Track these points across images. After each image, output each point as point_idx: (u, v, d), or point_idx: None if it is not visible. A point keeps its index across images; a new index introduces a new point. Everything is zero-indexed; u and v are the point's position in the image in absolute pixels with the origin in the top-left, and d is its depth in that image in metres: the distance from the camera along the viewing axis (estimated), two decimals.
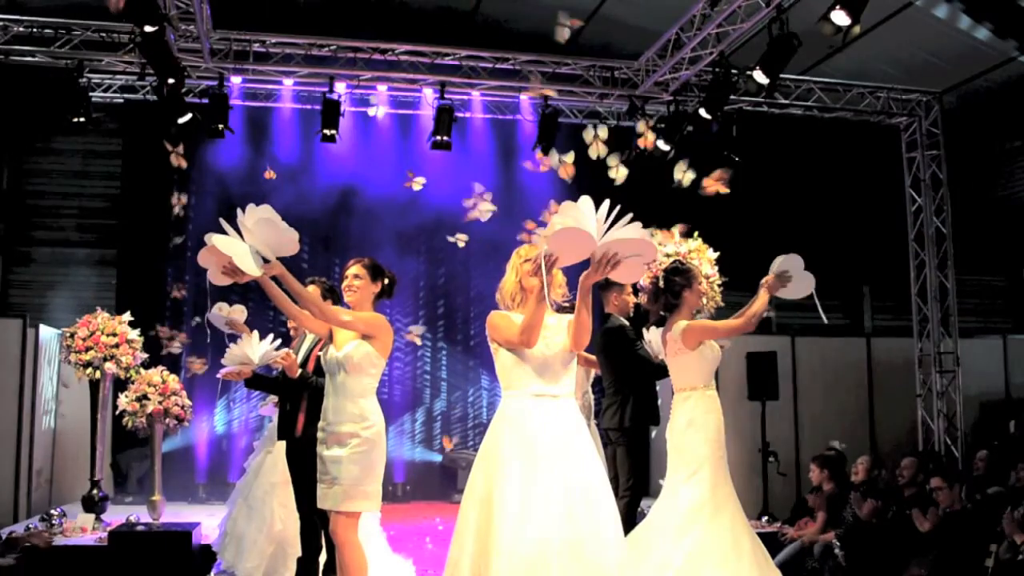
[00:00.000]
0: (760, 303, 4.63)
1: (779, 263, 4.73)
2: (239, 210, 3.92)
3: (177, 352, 9.15)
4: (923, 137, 10.44)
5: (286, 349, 4.96)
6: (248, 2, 9.73)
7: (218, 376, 5.00)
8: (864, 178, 11.82)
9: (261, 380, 5.15)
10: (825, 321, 4.87)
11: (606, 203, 3.47)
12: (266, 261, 3.93)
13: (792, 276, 4.69)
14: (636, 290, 5.79)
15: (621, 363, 5.66)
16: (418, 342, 10.74)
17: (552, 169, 9.51)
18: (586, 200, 3.46)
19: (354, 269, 4.39)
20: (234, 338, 5.56)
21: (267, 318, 9.40)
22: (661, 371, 5.26)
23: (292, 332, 5.65)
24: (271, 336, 4.92)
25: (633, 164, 10.07)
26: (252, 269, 3.84)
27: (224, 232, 3.90)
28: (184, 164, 9.48)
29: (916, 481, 6.96)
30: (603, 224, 3.45)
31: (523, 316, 3.71)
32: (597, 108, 10.59)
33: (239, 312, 6.10)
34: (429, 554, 6.93)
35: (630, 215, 3.48)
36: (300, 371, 4.84)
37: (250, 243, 3.87)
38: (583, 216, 3.44)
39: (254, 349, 4.80)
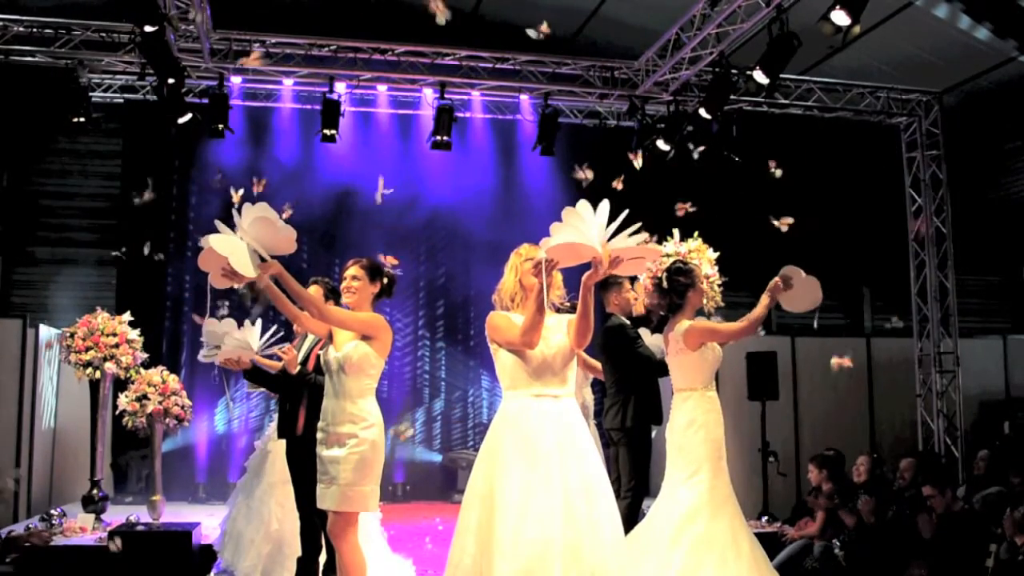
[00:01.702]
0: (762, 307, 4.62)
1: (783, 272, 4.72)
2: (234, 211, 3.92)
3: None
4: (923, 137, 10.44)
5: (287, 344, 4.97)
6: (248, 2, 9.72)
7: (217, 362, 4.99)
8: (864, 178, 11.82)
9: (261, 374, 5.14)
10: (815, 326, 4.91)
11: (605, 204, 3.46)
12: (263, 260, 3.92)
13: (795, 284, 4.68)
14: (633, 283, 5.79)
15: (622, 362, 5.65)
16: (402, 438, 10.12)
17: None
18: (587, 205, 3.46)
19: (352, 270, 4.38)
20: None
21: (267, 317, 9.37)
22: (663, 368, 5.25)
23: (295, 329, 5.64)
24: (260, 321, 4.92)
25: (633, 165, 10.08)
26: (248, 270, 3.84)
27: (218, 233, 3.89)
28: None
29: (916, 482, 6.96)
30: (605, 231, 3.45)
31: (523, 316, 3.72)
32: (597, 108, 10.59)
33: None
34: (429, 554, 6.93)
35: (637, 224, 3.49)
36: (299, 367, 4.85)
37: (247, 242, 3.87)
38: (585, 224, 3.44)
39: (253, 336, 4.81)
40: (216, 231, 3.91)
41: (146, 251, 9.00)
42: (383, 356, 4.21)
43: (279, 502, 5.67)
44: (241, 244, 3.85)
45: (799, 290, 4.71)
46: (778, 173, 7.26)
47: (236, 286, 4.11)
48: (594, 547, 3.47)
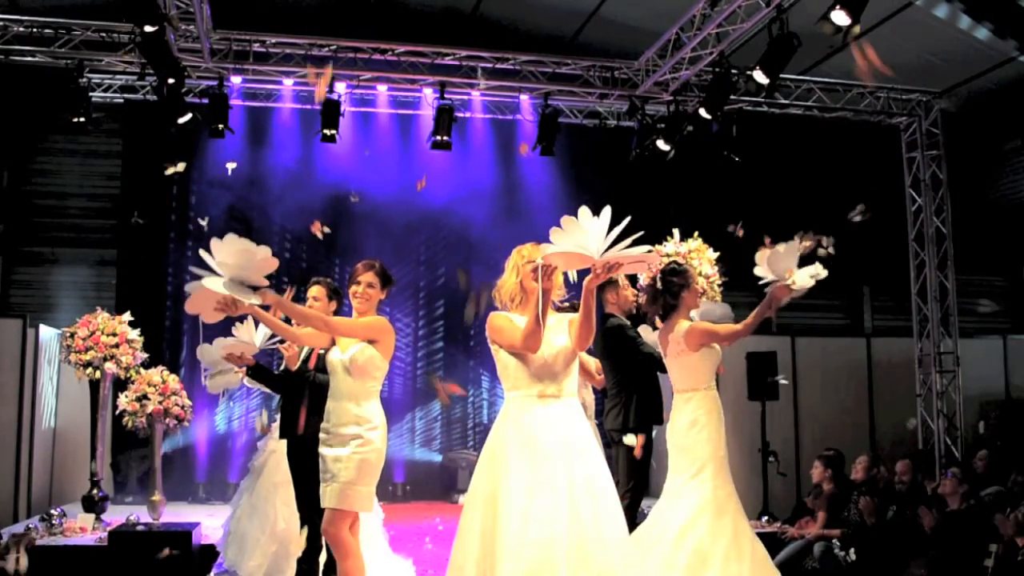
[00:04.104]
0: (757, 314, 4.62)
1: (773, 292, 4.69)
2: (203, 251, 3.86)
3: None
4: (923, 137, 10.44)
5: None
6: (248, 2, 9.73)
7: (220, 356, 4.99)
8: (864, 178, 11.81)
9: (263, 372, 5.13)
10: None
11: (607, 211, 3.43)
12: (255, 289, 3.89)
13: (790, 275, 4.66)
14: (634, 282, 5.78)
15: (624, 363, 5.63)
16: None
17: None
18: (587, 213, 3.44)
19: (367, 276, 4.37)
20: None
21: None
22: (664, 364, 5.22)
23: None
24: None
25: (633, 165, 10.09)
26: (250, 298, 3.81)
27: (200, 280, 3.82)
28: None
29: (915, 482, 6.97)
30: (605, 240, 3.44)
31: (523, 317, 3.71)
32: (597, 108, 10.59)
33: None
34: (429, 554, 6.93)
35: (638, 234, 3.47)
36: (300, 364, 4.85)
37: (231, 277, 3.81)
38: (585, 234, 3.43)
39: (254, 333, 4.82)
40: (196, 277, 3.84)
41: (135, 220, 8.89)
42: (387, 358, 4.23)
43: (284, 501, 5.66)
44: (229, 280, 3.80)
45: (795, 272, 4.68)
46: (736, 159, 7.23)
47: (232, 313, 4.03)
48: (599, 547, 3.46)
